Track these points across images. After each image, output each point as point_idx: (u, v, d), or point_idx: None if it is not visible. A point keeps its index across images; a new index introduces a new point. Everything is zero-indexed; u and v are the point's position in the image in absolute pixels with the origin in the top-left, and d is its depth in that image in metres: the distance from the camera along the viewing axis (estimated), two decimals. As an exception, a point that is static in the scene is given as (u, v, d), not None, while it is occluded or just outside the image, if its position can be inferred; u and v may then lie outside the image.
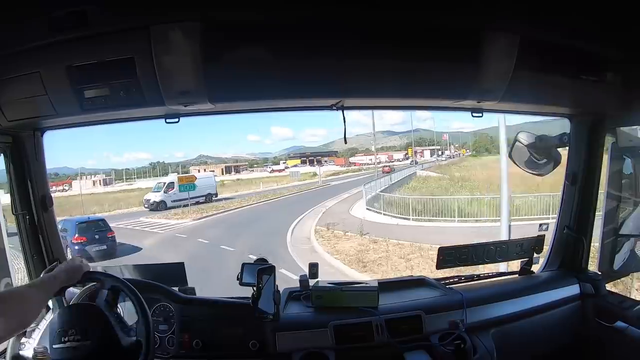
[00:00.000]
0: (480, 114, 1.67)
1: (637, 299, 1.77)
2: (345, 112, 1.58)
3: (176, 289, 1.64)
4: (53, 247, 1.70)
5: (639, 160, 1.85)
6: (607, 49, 1.50)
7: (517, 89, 1.49)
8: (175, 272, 1.67)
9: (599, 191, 1.88)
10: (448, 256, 1.77)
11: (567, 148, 1.85)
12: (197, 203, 19.95)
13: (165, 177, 26.42)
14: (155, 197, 20.64)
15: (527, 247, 1.87)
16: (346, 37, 1.28)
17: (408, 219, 12.63)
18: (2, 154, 1.64)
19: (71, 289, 1.39)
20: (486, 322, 1.66)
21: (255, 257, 1.56)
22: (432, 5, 1.26)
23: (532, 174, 1.75)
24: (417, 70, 1.39)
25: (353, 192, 20.38)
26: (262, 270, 1.43)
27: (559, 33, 1.38)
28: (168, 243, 12.34)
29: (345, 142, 1.67)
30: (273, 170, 54.54)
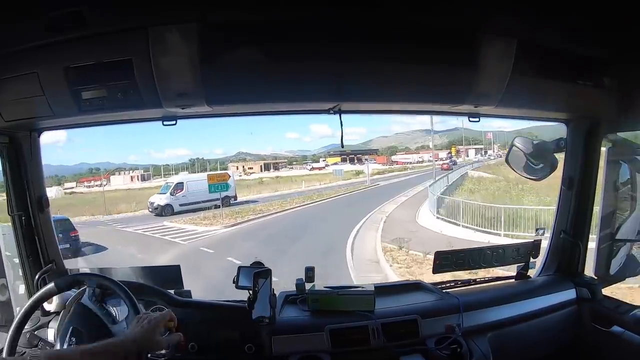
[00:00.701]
0: (477, 119, 1.68)
1: (633, 303, 1.77)
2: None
3: (172, 291, 1.63)
4: (49, 249, 1.70)
5: (635, 165, 1.85)
6: (604, 53, 1.51)
7: (514, 94, 1.49)
8: (171, 274, 1.67)
9: (596, 196, 1.89)
10: (444, 260, 1.77)
11: (564, 153, 1.86)
12: (216, 207, 16.60)
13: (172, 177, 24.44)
14: (161, 199, 17.74)
15: (524, 252, 1.87)
16: (343, 39, 1.28)
17: (499, 235, 9.72)
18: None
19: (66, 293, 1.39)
20: (483, 326, 1.66)
21: None
22: (428, 8, 1.26)
23: (529, 178, 1.75)
24: (414, 74, 1.40)
25: (410, 194, 19.01)
26: (258, 274, 1.43)
27: (555, 37, 1.39)
28: (188, 261, 9.27)
29: (342, 146, 1.70)
30: (313, 168, 53.64)
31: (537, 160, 1.74)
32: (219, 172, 24.09)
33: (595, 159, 1.84)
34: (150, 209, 18.03)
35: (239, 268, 1.48)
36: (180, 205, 17.45)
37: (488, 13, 1.28)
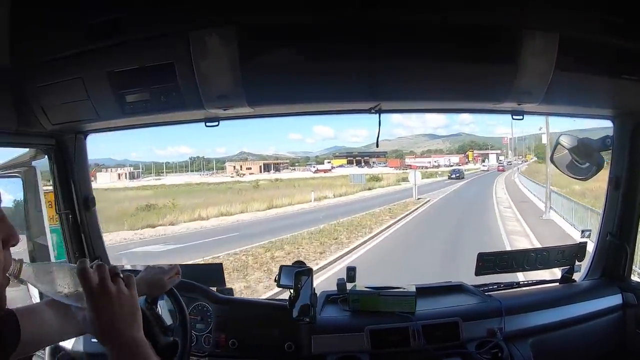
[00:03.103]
0: (521, 117, 1.63)
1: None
2: (383, 115, 1.57)
3: (214, 289, 1.66)
4: (95, 246, 1.76)
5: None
6: None
7: (557, 90, 1.44)
8: (213, 272, 1.70)
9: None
10: (487, 262, 1.73)
11: (610, 151, 1.78)
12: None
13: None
14: None
15: (569, 255, 1.81)
16: (381, 39, 1.27)
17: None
18: (46, 156, 1.71)
19: None
20: (524, 330, 1.61)
21: None
22: (468, 6, 1.24)
23: (575, 178, 1.68)
24: (455, 72, 1.37)
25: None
26: (299, 273, 1.43)
27: (599, 30, 1.33)
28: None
29: (377, 146, 1.66)
30: (318, 170, 49.07)
31: (583, 158, 1.68)
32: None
33: None
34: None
35: (281, 267, 1.50)
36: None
37: (528, 8, 1.25)
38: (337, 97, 1.47)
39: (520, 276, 2.61)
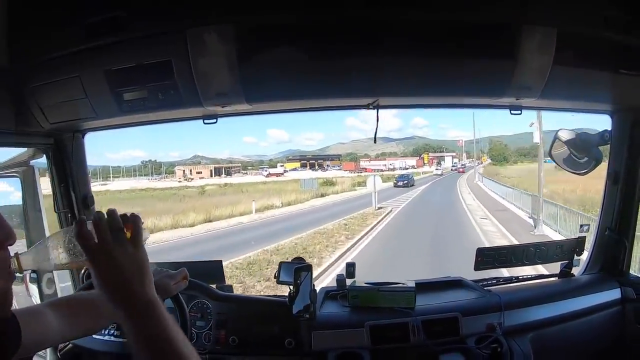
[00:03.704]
0: (519, 112, 1.63)
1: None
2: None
3: (214, 286, 1.66)
4: None
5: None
6: None
7: (556, 85, 1.44)
8: (213, 269, 1.70)
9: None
10: (486, 257, 1.73)
11: (609, 146, 1.79)
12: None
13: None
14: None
15: (568, 249, 1.81)
16: (380, 36, 1.27)
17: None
18: (44, 155, 1.71)
19: None
20: (524, 325, 1.62)
21: None
22: (467, 2, 1.24)
23: (573, 172, 1.69)
24: (453, 68, 1.37)
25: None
26: (299, 269, 1.43)
27: (597, 25, 1.33)
28: None
29: (375, 142, 1.67)
30: (270, 174, 47.03)
31: (581, 153, 1.68)
32: None
33: None
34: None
35: (280, 263, 1.50)
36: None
37: (527, 3, 1.25)
38: (335, 93, 1.47)
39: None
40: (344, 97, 1.53)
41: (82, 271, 1.76)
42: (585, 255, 1.89)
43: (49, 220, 1.87)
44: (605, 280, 1.82)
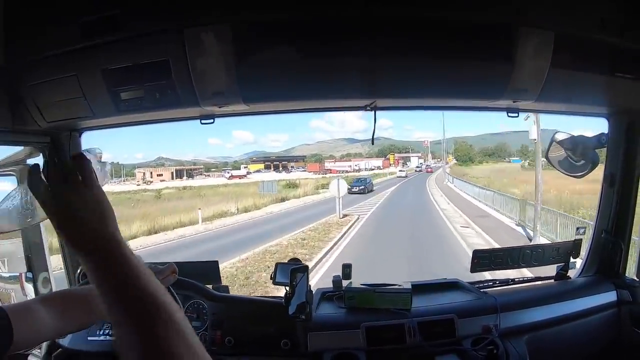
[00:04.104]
0: (516, 114, 1.63)
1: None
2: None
3: (210, 286, 1.66)
4: None
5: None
6: None
7: (553, 88, 1.45)
8: (209, 270, 1.70)
9: (639, 194, 1.81)
10: (482, 259, 1.73)
11: (606, 149, 1.79)
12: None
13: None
14: None
15: (564, 252, 1.81)
16: (377, 36, 1.27)
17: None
18: (41, 154, 1.71)
19: None
20: (520, 327, 1.62)
21: None
22: (465, 4, 1.24)
23: (569, 175, 1.69)
24: (451, 70, 1.37)
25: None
26: (295, 270, 1.43)
27: (593, 28, 1.34)
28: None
29: (373, 143, 1.67)
30: (232, 176, 44.55)
31: (578, 156, 1.69)
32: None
33: (638, 155, 1.77)
34: None
35: (277, 264, 1.50)
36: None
37: (524, 6, 1.25)
38: (332, 94, 1.47)
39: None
40: (341, 99, 1.54)
41: (78, 271, 1.76)
42: (581, 258, 1.90)
43: (46, 221, 1.87)
44: (601, 282, 1.82)
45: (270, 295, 1.66)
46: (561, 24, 1.30)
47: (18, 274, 1.78)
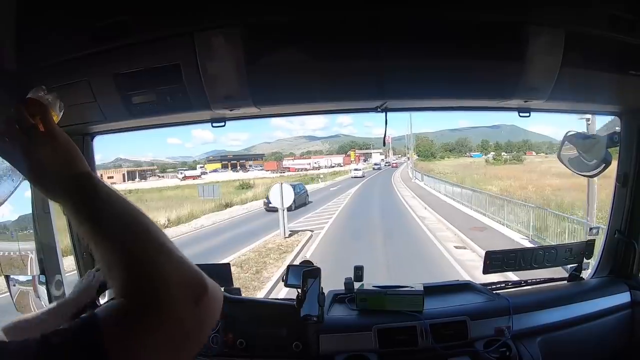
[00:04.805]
0: (528, 114, 1.62)
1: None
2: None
3: (222, 289, 1.66)
4: None
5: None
6: None
7: (564, 87, 1.43)
8: (221, 272, 1.70)
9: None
10: (495, 261, 1.72)
11: (619, 148, 1.77)
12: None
13: None
14: None
15: (577, 252, 1.79)
16: (387, 37, 1.27)
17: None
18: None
19: None
20: (533, 329, 1.60)
21: None
22: (475, 3, 1.24)
23: (582, 175, 1.68)
24: (462, 70, 1.37)
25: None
26: (307, 272, 1.43)
27: (605, 25, 1.33)
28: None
29: (384, 144, 1.67)
30: (186, 177, 41.64)
31: (590, 155, 1.67)
32: None
33: None
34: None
35: (288, 267, 1.50)
36: None
37: (534, 4, 1.25)
38: (343, 96, 1.47)
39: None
40: (351, 100, 1.54)
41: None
42: (595, 259, 1.88)
43: (58, 223, 1.88)
44: (615, 283, 1.80)
45: (286, 298, 1.64)
46: (571, 21, 1.29)
47: (31, 277, 1.79)
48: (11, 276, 1.73)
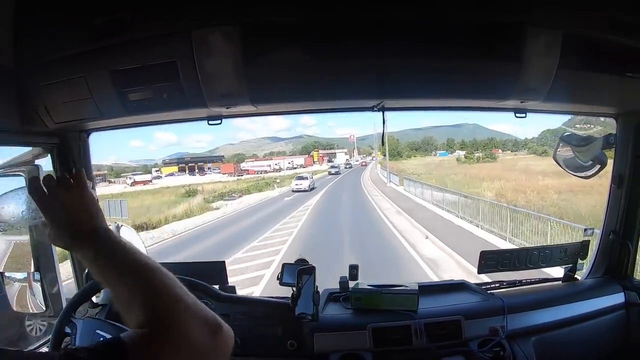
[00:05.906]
0: (524, 115, 1.63)
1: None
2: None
3: (217, 287, 1.66)
4: None
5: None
6: None
7: (561, 88, 1.44)
8: (216, 270, 1.70)
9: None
10: (490, 260, 1.72)
11: (614, 149, 1.78)
12: None
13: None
14: None
15: (572, 253, 1.80)
16: (384, 36, 1.27)
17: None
18: (49, 154, 1.72)
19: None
20: (527, 329, 1.61)
21: None
22: (473, 4, 1.24)
23: (577, 176, 1.68)
24: (459, 70, 1.37)
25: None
26: (302, 271, 1.44)
27: (602, 27, 1.33)
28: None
29: (383, 144, 1.67)
30: (135, 182, 37.16)
31: (586, 157, 1.68)
32: None
33: None
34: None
35: (283, 265, 1.50)
36: None
37: (532, 5, 1.25)
38: (340, 95, 1.47)
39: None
40: (349, 99, 1.54)
41: (86, 271, 1.77)
42: (589, 259, 1.88)
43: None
44: (609, 284, 1.81)
45: (281, 296, 1.64)
46: (569, 23, 1.30)
47: (26, 274, 1.79)
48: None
